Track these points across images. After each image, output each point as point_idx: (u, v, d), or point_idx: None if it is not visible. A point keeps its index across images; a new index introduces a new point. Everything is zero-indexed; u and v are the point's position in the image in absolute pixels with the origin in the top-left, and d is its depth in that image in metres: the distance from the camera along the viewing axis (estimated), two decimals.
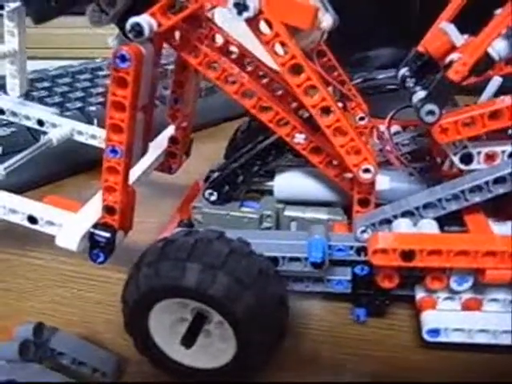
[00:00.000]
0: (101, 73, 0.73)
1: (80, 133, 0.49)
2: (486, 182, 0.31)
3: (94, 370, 0.32)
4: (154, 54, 0.33)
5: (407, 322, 0.37)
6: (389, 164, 0.41)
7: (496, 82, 0.37)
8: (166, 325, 0.31)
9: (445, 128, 0.30)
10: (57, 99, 0.64)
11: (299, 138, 0.33)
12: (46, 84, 0.68)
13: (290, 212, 0.39)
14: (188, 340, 0.30)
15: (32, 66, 0.73)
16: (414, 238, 0.30)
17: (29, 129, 0.55)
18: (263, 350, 0.30)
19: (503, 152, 0.31)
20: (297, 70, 0.30)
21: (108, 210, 0.33)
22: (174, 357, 0.31)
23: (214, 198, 0.39)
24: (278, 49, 0.30)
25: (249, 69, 0.38)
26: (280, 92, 0.38)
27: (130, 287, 0.30)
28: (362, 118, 0.42)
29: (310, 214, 0.39)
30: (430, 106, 0.29)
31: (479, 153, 0.32)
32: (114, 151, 0.31)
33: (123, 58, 0.29)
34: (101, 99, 0.64)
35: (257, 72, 0.38)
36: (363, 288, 0.34)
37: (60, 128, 0.49)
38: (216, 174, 0.40)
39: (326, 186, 0.38)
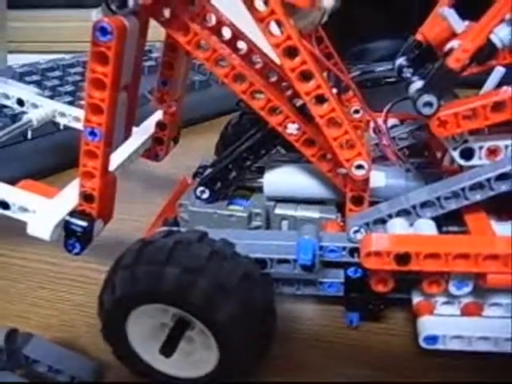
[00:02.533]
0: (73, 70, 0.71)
1: (62, 114, 0.47)
2: (488, 179, 0.28)
3: (71, 378, 0.31)
4: (139, 30, 0.30)
5: (403, 327, 0.35)
6: (385, 159, 0.39)
7: (498, 72, 0.35)
8: (145, 331, 0.29)
9: (443, 121, 0.28)
10: (47, 93, 0.62)
11: (292, 128, 0.30)
12: (35, 78, 0.66)
13: (280, 210, 0.37)
14: (168, 348, 0.28)
15: (24, 60, 0.72)
16: (410, 240, 0.28)
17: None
18: (247, 359, 0.28)
19: (506, 147, 0.29)
20: (292, 52, 0.27)
21: (86, 197, 0.31)
22: (153, 365, 0.30)
23: (205, 195, 0.37)
24: (274, 28, 0.28)
25: (242, 52, 0.36)
26: (274, 79, 0.36)
27: (107, 291, 0.28)
28: (356, 111, 0.40)
29: (301, 212, 0.37)
30: (427, 97, 0.27)
31: (481, 147, 0.29)
32: (92, 133, 0.29)
33: (104, 31, 0.26)
34: None
35: (250, 56, 0.36)
36: (356, 291, 0.32)
37: (41, 108, 0.47)
38: (208, 171, 0.38)
39: (319, 182, 0.36)
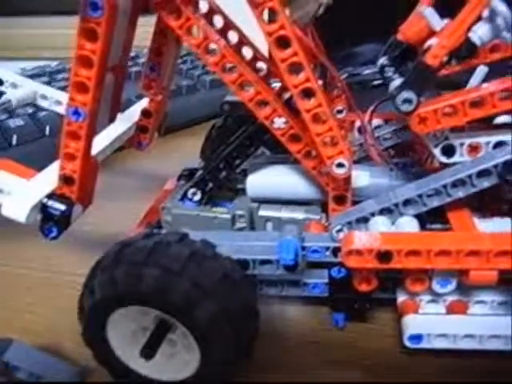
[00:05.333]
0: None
1: (44, 97, 0.46)
2: (469, 176, 0.28)
3: None
4: (131, 11, 0.30)
5: (389, 327, 0.34)
6: (370, 159, 0.39)
7: (481, 71, 0.35)
8: (126, 334, 0.29)
9: (423, 117, 0.28)
10: None
11: (279, 122, 0.30)
12: None
13: (264, 211, 0.37)
14: (148, 351, 0.27)
15: (11, 67, 0.72)
16: (391, 238, 0.27)
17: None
18: (229, 361, 0.27)
19: (487, 143, 0.29)
20: (284, 42, 0.27)
21: (66, 179, 0.30)
22: (135, 369, 0.29)
23: (197, 197, 0.37)
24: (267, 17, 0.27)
25: (231, 44, 0.35)
26: (262, 73, 0.36)
27: (86, 294, 0.28)
28: (339, 111, 0.40)
29: (285, 213, 0.36)
30: (406, 94, 0.27)
31: (462, 144, 0.29)
32: (76, 113, 0.28)
33: (95, 6, 0.26)
34: None
35: (240, 48, 0.35)
36: (341, 291, 0.32)
37: (21, 89, 0.45)
38: (198, 173, 0.38)
39: (302, 182, 0.36)
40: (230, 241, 0.31)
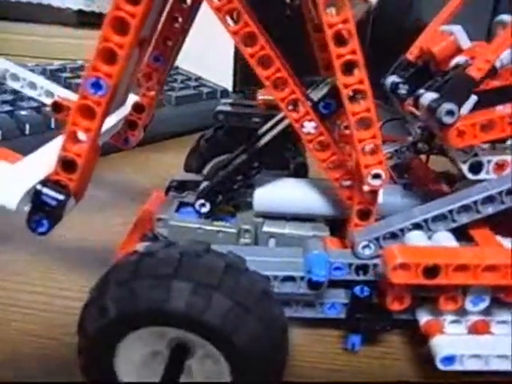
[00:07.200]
0: (63, 74, 0.66)
1: (15, 77, 0.40)
2: (500, 193, 0.28)
3: None
4: None
5: (401, 350, 0.33)
6: None
7: (471, 100, 0.36)
8: (135, 360, 0.25)
9: (461, 131, 0.27)
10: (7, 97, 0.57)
11: (309, 126, 0.28)
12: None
13: (269, 227, 0.34)
14: (169, 382, 0.23)
15: None
16: (438, 252, 0.26)
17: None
18: None
19: None
20: (344, 38, 0.25)
21: (66, 164, 0.26)
22: None
23: (205, 209, 0.34)
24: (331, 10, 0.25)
25: None
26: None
27: (92, 313, 0.24)
28: (347, 127, 0.39)
29: (291, 229, 0.34)
30: (448, 105, 0.27)
31: (489, 161, 0.29)
32: (96, 85, 0.24)
33: None
34: None
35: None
36: (363, 311, 0.30)
37: None
38: (205, 183, 0.34)
39: (312, 197, 0.34)
40: (250, 256, 0.28)
